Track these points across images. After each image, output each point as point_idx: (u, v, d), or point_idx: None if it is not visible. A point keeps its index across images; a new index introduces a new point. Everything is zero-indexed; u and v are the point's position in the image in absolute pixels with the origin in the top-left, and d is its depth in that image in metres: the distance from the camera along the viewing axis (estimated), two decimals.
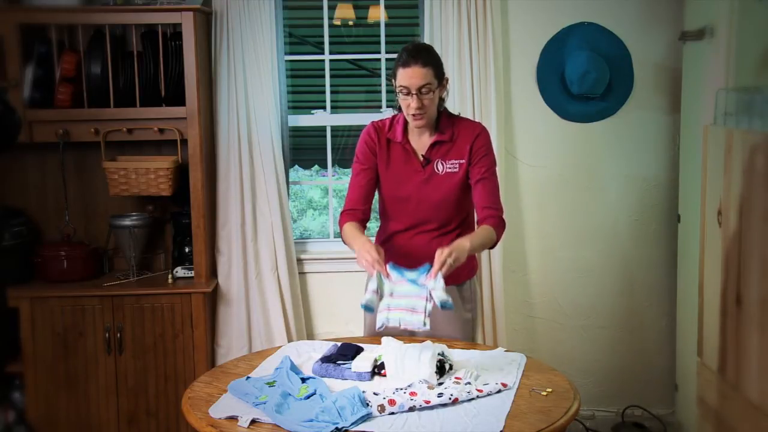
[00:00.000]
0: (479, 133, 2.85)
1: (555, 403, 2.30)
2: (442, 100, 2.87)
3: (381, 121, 2.94)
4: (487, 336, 3.80)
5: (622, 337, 4.06)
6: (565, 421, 2.22)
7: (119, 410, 3.55)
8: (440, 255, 2.51)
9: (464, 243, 2.58)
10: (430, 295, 2.47)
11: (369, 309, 2.54)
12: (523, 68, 3.90)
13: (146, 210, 3.80)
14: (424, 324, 2.45)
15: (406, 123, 2.87)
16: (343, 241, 2.83)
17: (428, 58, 2.75)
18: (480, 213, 2.83)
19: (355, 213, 2.87)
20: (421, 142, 2.86)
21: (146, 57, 3.58)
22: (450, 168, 2.82)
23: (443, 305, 2.45)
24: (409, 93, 2.72)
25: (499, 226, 2.79)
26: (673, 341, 3.93)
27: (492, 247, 2.83)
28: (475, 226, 2.91)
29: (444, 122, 2.85)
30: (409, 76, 2.70)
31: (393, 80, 2.80)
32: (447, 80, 2.84)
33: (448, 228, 2.85)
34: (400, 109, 2.88)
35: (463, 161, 2.82)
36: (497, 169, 2.90)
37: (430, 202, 2.82)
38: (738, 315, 2.61)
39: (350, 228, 2.79)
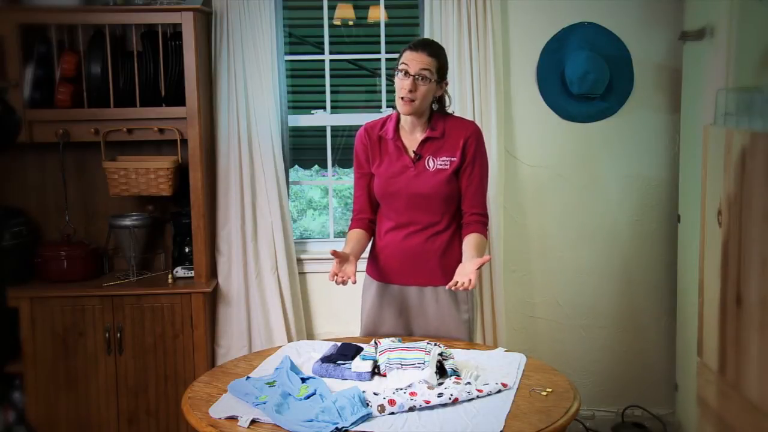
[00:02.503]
0: (472, 132, 2.87)
1: (555, 403, 2.30)
2: (439, 103, 2.89)
3: (373, 121, 2.98)
4: (487, 336, 3.80)
5: (622, 337, 4.06)
6: (565, 421, 2.22)
7: (119, 410, 3.55)
8: (463, 281, 2.59)
9: (473, 267, 2.64)
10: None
11: (365, 358, 2.51)
12: (523, 68, 3.90)
13: (146, 210, 3.80)
14: (425, 362, 2.42)
15: (398, 121, 2.89)
16: None
17: (437, 51, 2.83)
18: (468, 216, 2.87)
19: (362, 220, 2.98)
20: (412, 139, 2.88)
21: (146, 57, 3.58)
22: (441, 164, 2.84)
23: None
24: (406, 74, 2.76)
25: (486, 229, 2.88)
26: (673, 341, 3.93)
27: None
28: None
29: (436, 119, 2.88)
30: (412, 58, 2.77)
31: (396, 68, 2.83)
32: (446, 83, 2.86)
33: (439, 226, 2.86)
34: (395, 108, 2.90)
35: (455, 159, 2.83)
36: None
37: (419, 198, 2.84)
38: (738, 315, 2.60)
39: (348, 236, 2.96)
